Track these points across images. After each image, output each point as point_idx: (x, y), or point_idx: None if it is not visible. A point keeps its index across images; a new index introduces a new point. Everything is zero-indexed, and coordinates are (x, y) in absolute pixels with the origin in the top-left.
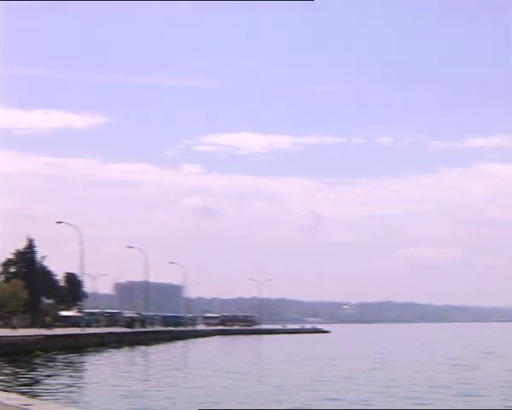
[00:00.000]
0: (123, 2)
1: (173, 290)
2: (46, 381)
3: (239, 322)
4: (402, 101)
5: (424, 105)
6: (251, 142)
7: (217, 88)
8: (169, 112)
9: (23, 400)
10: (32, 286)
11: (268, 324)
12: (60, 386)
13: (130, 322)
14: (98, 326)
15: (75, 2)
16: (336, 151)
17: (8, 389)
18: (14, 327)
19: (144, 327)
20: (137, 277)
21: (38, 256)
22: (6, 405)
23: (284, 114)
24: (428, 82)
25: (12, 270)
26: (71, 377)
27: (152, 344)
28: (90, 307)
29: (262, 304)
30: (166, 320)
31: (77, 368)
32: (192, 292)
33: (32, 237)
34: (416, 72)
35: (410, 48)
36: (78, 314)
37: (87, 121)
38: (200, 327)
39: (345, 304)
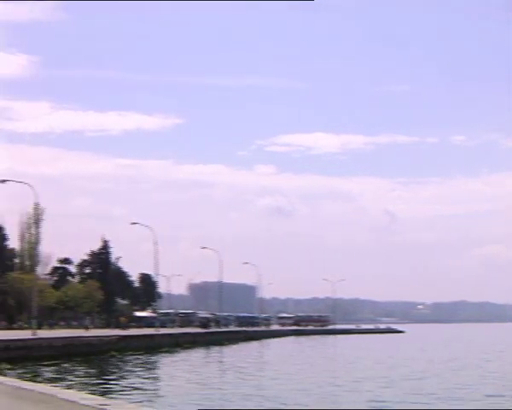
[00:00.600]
0: (195, 2)
1: (247, 291)
2: (121, 381)
3: (313, 322)
4: (475, 99)
5: (497, 103)
6: (324, 142)
7: (290, 88)
8: (242, 112)
9: (99, 400)
10: (107, 287)
11: (342, 324)
12: (135, 386)
13: (205, 322)
14: (173, 327)
15: (147, 3)
16: (409, 150)
17: (83, 389)
18: (86, 328)
19: (219, 327)
20: (211, 277)
21: (113, 257)
22: (82, 405)
23: (357, 113)
24: (501, 80)
25: (87, 271)
26: (146, 377)
27: (226, 344)
28: (164, 308)
29: (336, 304)
30: (241, 320)
31: (152, 368)
32: (266, 292)
33: (107, 238)
34: (487, 70)
35: (483, 46)
36: (153, 315)
37: (160, 123)
38: (275, 327)
39: (419, 304)
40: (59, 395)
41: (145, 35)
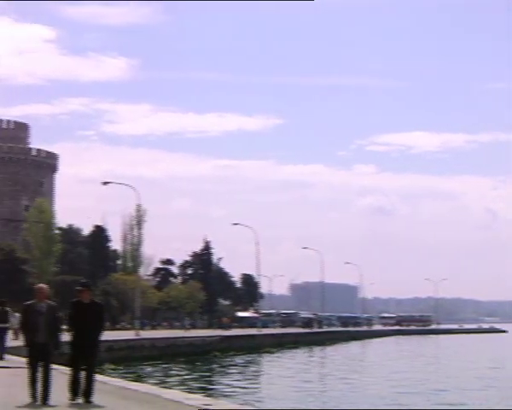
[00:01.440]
0: (291, 2)
1: (349, 291)
2: (224, 381)
3: (415, 322)
4: None
5: None
6: (424, 141)
7: (389, 87)
8: (342, 112)
9: (202, 400)
10: (209, 287)
11: (444, 324)
12: (237, 386)
13: (307, 322)
14: (274, 327)
15: (245, 3)
16: (511, 148)
17: (186, 389)
18: (185, 328)
19: (321, 328)
20: (313, 277)
21: (215, 258)
22: (186, 405)
23: (457, 112)
24: None
25: (189, 271)
26: (248, 377)
27: (328, 344)
28: (266, 308)
29: (438, 304)
30: (343, 320)
31: (254, 368)
32: (368, 292)
33: (209, 238)
34: None
35: None
36: (255, 315)
37: (260, 123)
38: (376, 327)
39: None
40: (163, 396)
41: (245, 36)
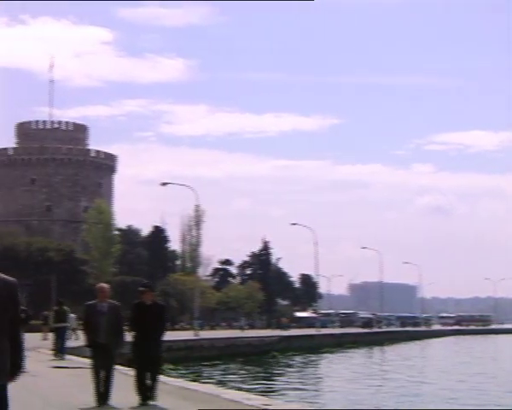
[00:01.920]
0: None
1: (407, 291)
2: (283, 381)
3: (475, 322)
4: None
5: None
6: (482, 139)
7: (446, 86)
8: (399, 111)
9: (262, 400)
10: (268, 288)
11: (505, 323)
12: (297, 386)
13: (367, 322)
14: (333, 327)
15: (302, 3)
16: None
17: (246, 389)
18: (242, 328)
19: (380, 328)
20: (371, 277)
21: (274, 258)
22: (246, 405)
23: None
24: None
25: (248, 272)
26: (307, 377)
27: (387, 344)
28: (324, 308)
29: (497, 303)
30: (401, 320)
31: (313, 368)
32: (426, 292)
33: (267, 238)
34: None
35: None
36: (314, 315)
37: (317, 123)
38: (436, 327)
39: None
40: (223, 396)
41: (301, 35)
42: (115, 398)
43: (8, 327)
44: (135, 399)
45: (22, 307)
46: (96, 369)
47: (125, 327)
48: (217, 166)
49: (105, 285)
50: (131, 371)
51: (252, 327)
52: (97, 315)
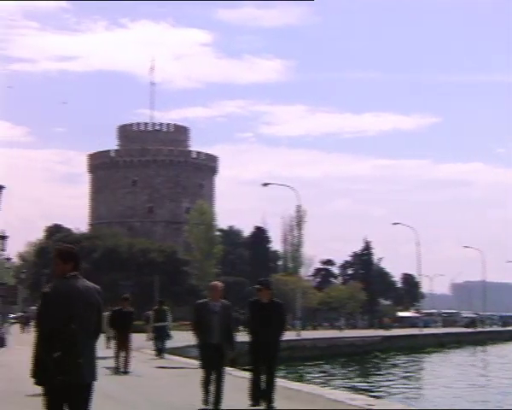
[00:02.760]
0: None
1: (511, 290)
2: (386, 381)
3: None
4: None
5: None
6: None
7: None
8: (499, 108)
9: (366, 400)
10: (370, 287)
11: None
12: (399, 386)
13: (470, 322)
14: (436, 327)
15: (398, 1)
16: None
17: (348, 389)
18: (340, 329)
19: (483, 327)
20: (474, 276)
21: (375, 258)
22: (349, 405)
23: None
24: None
25: (349, 272)
26: (410, 377)
27: (490, 344)
28: (427, 308)
29: None
30: (505, 320)
31: (415, 368)
32: None
33: (369, 238)
34: None
35: None
36: (416, 315)
37: (416, 122)
38: None
39: None
40: (326, 396)
41: (400, 34)
42: (226, 401)
43: (94, 330)
44: (246, 401)
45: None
46: (207, 370)
47: (237, 327)
48: (316, 167)
49: (218, 283)
50: (235, 372)
51: (354, 327)
52: (209, 314)
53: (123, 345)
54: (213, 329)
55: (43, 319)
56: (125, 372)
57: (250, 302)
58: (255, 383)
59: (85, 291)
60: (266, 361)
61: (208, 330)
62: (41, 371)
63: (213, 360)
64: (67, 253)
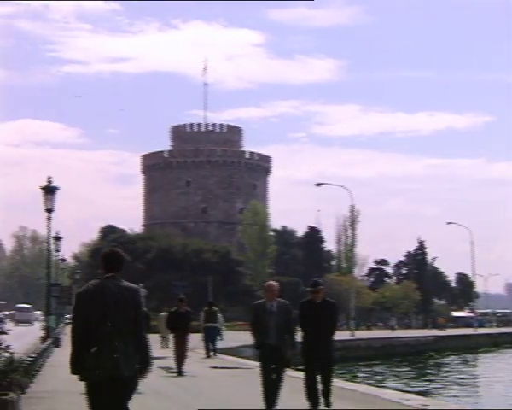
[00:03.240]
0: None
1: None
2: (441, 381)
3: None
4: None
5: None
6: None
7: None
8: None
9: (420, 400)
10: (424, 287)
11: None
12: (454, 387)
13: None
14: (491, 327)
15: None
16: None
17: (403, 389)
18: (392, 328)
19: None
20: None
21: (429, 257)
22: (404, 405)
23: None
24: None
25: (403, 271)
26: (465, 377)
27: None
28: (481, 308)
29: None
30: None
31: (470, 369)
32: None
33: (422, 238)
34: None
35: None
36: (471, 315)
37: (470, 121)
38: None
39: None
40: (381, 396)
41: (453, 33)
42: (283, 402)
43: (131, 327)
44: (302, 402)
45: (144, 310)
46: (266, 372)
47: (296, 327)
48: (369, 166)
49: (274, 283)
50: (289, 372)
51: (408, 327)
52: (266, 315)
53: (179, 346)
54: (270, 329)
55: (77, 317)
56: (180, 372)
57: (302, 302)
58: (310, 384)
59: (118, 291)
60: (320, 362)
61: (265, 331)
62: (80, 367)
63: (272, 360)
64: (107, 255)
